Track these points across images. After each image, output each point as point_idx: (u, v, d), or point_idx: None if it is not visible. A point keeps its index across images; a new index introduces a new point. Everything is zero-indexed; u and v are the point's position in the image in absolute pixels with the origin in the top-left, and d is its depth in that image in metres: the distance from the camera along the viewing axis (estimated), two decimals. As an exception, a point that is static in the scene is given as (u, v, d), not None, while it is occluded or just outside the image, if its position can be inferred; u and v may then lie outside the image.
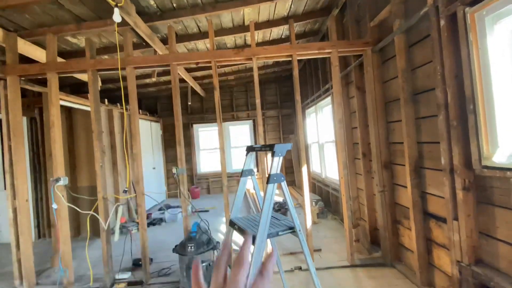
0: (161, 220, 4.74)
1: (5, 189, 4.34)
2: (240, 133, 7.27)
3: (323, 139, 4.74)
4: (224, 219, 4.58)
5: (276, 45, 3.08)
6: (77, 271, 2.95)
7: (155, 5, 2.74)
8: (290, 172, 6.84)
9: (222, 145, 2.74)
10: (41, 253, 3.64)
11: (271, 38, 4.14)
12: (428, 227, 2.10)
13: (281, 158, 1.34)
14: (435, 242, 2.03)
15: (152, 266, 2.90)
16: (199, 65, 2.86)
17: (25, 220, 2.71)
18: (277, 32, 3.92)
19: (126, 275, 2.77)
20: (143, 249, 2.63)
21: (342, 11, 3.40)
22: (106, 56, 3.63)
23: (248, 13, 3.23)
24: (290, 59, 2.71)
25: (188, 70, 4.95)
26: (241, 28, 3.58)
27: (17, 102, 2.68)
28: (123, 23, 2.44)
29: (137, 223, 4.26)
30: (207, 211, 5.20)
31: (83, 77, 3.69)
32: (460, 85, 1.62)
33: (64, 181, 2.61)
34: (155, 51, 3.66)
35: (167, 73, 4.94)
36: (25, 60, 2.97)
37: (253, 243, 1.32)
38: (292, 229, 1.41)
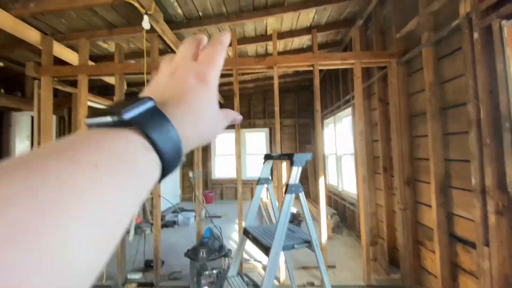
0: (174, 223, 4.78)
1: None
2: (256, 140, 7.27)
3: (341, 151, 4.63)
4: (236, 227, 4.54)
5: (298, 55, 3.08)
6: (92, 268, 3.01)
7: (182, 13, 2.84)
8: (305, 183, 6.71)
9: (239, 152, 2.74)
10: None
11: (292, 48, 4.16)
12: (454, 251, 1.95)
13: (300, 168, 1.31)
14: (462, 268, 1.89)
15: (163, 269, 2.91)
16: (221, 72, 2.91)
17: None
18: (298, 41, 3.93)
19: (138, 276, 2.79)
20: (156, 251, 2.65)
21: (367, 22, 3.36)
22: (132, 61, 3.79)
23: (271, 23, 3.27)
24: (312, 68, 2.69)
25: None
26: (263, 37, 3.62)
27: (49, 101, 2.84)
28: (151, 30, 2.55)
29: (151, 224, 4.33)
30: (219, 217, 5.19)
31: (111, 80, 3.87)
32: (494, 101, 1.52)
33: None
34: (179, 57, 3.77)
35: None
36: (57, 62, 3.16)
37: (267, 254, 1.29)
38: (308, 243, 1.36)
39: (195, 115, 0.26)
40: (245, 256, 3.13)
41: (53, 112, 3.32)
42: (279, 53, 4.09)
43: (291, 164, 1.30)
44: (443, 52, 2.04)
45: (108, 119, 0.21)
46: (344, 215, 4.44)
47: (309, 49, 4.17)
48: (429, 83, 2.09)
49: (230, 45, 3.54)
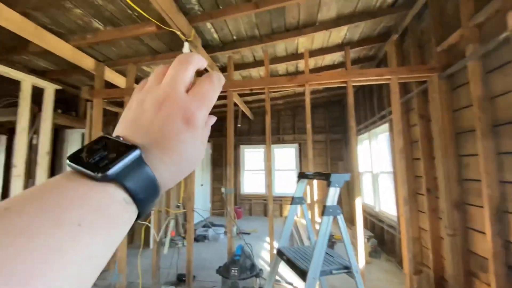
0: (204, 238, 4.84)
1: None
2: (285, 156, 7.22)
3: (377, 169, 4.40)
4: (265, 245, 4.46)
5: (330, 71, 3.08)
6: (128, 277, 3.14)
7: (218, 38, 3.02)
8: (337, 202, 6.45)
9: (270, 169, 2.75)
10: (100, 255, 4.00)
11: (323, 65, 4.16)
12: (517, 286, 1.71)
13: (338, 189, 1.27)
14: (529, 308, 1.63)
15: (194, 284, 2.93)
16: (253, 91, 3.00)
17: (93, 224, 3.04)
18: (330, 58, 3.93)
19: (170, 290, 2.84)
20: (188, 265, 2.69)
21: (402, 36, 3.27)
22: (171, 82, 4.08)
23: (302, 42, 3.33)
24: (345, 85, 2.65)
25: (240, 95, 5.23)
26: (294, 56, 3.69)
27: (99, 120, 3.14)
28: (190, 54, 2.74)
29: (183, 237, 4.43)
30: (248, 233, 5.15)
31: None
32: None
33: (127, 192, 2.89)
34: (213, 78, 3.98)
35: (220, 97, 5.31)
36: (107, 85, 3.51)
37: (304, 279, 1.24)
38: (347, 269, 1.29)
39: (178, 166, 0.26)
40: (276, 277, 3.04)
41: (101, 130, 3.66)
42: (310, 70, 4.12)
43: (328, 185, 1.27)
44: (492, 66, 1.90)
45: (92, 174, 0.21)
46: (381, 238, 4.14)
47: (340, 65, 4.14)
48: (478, 98, 1.94)
49: (262, 65, 3.67)
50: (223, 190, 2.71)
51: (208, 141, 7.46)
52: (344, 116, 6.64)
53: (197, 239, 4.77)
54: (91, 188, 0.20)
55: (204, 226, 5.48)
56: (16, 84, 3.25)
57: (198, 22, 2.52)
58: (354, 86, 5.21)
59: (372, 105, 4.53)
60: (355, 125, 2.55)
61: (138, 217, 0.24)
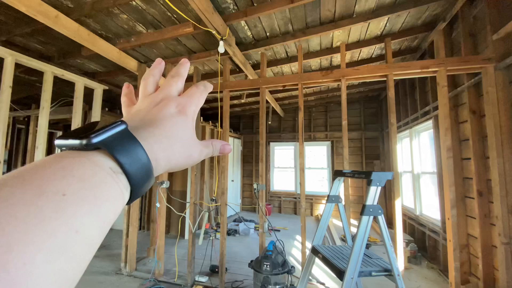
0: (235, 232, 4.96)
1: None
2: (316, 154, 7.06)
3: (419, 169, 4.10)
4: (296, 243, 4.43)
5: (368, 65, 2.91)
6: (165, 265, 3.35)
7: (251, 36, 3.04)
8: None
9: (303, 166, 2.71)
10: (140, 243, 4.31)
11: (359, 58, 3.98)
12: None
13: (379, 188, 1.21)
14: None
15: (226, 276, 3.02)
16: (285, 87, 2.97)
17: (135, 214, 3.29)
18: (367, 51, 3.74)
19: (204, 279, 2.97)
20: (222, 258, 2.79)
21: (450, 24, 2.99)
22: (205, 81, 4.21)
23: (338, 35, 3.21)
24: (385, 79, 2.51)
25: (271, 91, 5.22)
26: (328, 50, 3.57)
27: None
28: (223, 52, 2.80)
29: (215, 230, 4.59)
30: (278, 230, 5.16)
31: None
32: None
33: (166, 184, 3.07)
34: (246, 76, 4.03)
35: (251, 95, 5.36)
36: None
37: (341, 278, 1.21)
38: (388, 272, 1.23)
39: (168, 139, 0.26)
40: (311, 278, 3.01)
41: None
42: (346, 65, 3.96)
43: (369, 183, 1.21)
44: None
45: (77, 142, 0.21)
46: (422, 243, 3.87)
47: (378, 58, 3.92)
48: (545, 91, 1.70)
49: (294, 61, 3.62)
50: (255, 186, 2.75)
51: (239, 138, 7.61)
52: (380, 112, 6.28)
53: (228, 232, 4.90)
54: (76, 157, 0.20)
55: (235, 221, 5.62)
56: (70, 85, 3.62)
57: (233, 20, 2.57)
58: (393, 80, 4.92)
59: (414, 100, 4.22)
60: (395, 122, 2.40)
61: (132, 194, 0.22)
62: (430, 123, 3.56)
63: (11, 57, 2.45)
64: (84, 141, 0.20)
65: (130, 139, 0.23)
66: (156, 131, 0.26)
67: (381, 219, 1.22)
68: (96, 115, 3.96)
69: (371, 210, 1.20)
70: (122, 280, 3.00)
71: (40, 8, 2.16)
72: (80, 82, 3.71)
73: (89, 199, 0.18)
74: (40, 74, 2.91)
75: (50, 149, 5.68)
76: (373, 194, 1.22)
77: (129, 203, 0.23)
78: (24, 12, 2.09)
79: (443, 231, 3.14)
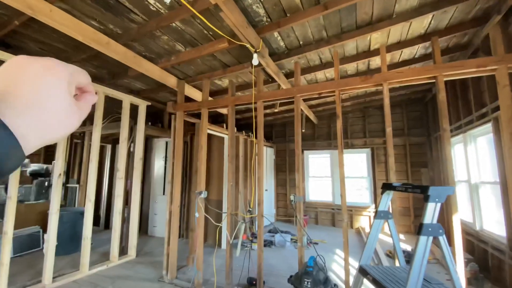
0: (271, 243, 4.88)
1: (163, 194, 5.70)
2: (354, 162, 6.70)
3: (477, 179, 3.65)
4: (335, 257, 4.20)
5: (412, 67, 2.71)
6: (203, 274, 3.39)
7: (284, 45, 3.04)
8: (418, 214, 5.63)
9: (343, 176, 2.57)
10: (179, 251, 4.45)
11: (400, 60, 3.73)
12: None
13: (439, 205, 1.08)
14: None
15: (265, 290, 2.96)
16: (322, 95, 2.89)
17: (176, 222, 3.42)
18: (409, 52, 3.49)
19: (242, 292, 2.94)
20: (259, 271, 2.74)
21: (506, 17, 2.66)
22: (239, 93, 4.30)
23: (376, 38, 3.06)
24: (433, 81, 2.30)
25: (305, 99, 5.13)
26: (365, 53, 3.41)
27: (181, 130, 3.53)
28: (257, 64, 2.83)
29: (250, 240, 4.56)
30: (316, 243, 4.95)
31: (223, 110, 4.51)
32: None
33: (204, 194, 3.15)
34: (279, 85, 4.03)
35: (284, 103, 5.33)
36: (185, 99, 3.93)
37: (397, 305, 1.09)
38: (454, 301, 1.08)
39: (35, 112, 0.22)
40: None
41: (183, 138, 4.11)
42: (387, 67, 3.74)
43: (426, 199, 1.09)
44: None
45: None
46: (484, 262, 3.39)
47: (423, 58, 3.64)
48: None
49: (329, 67, 3.52)
50: (292, 197, 2.68)
51: (271, 147, 7.54)
52: (426, 116, 5.78)
53: (264, 244, 4.83)
54: None
55: (270, 231, 5.53)
56: (117, 103, 3.97)
57: (266, 32, 2.59)
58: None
59: (466, 101, 3.81)
60: (448, 127, 2.17)
61: None
62: (488, 126, 3.16)
63: (71, 82, 2.76)
64: None
65: None
66: (18, 103, 0.22)
67: (443, 240, 1.08)
68: (140, 128, 4.26)
69: (430, 229, 1.07)
70: (164, 288, 3.10)
71: (94, 36, 2.41)
72: (127, 100, 4.04)
73: None
74: (94, 94, 3.23)
75: (101, 161, 6.25)
76: (432, 211, 1.09)
77: None
78: (81, 40, 2.35)
79: (510, 250, 2.73)
